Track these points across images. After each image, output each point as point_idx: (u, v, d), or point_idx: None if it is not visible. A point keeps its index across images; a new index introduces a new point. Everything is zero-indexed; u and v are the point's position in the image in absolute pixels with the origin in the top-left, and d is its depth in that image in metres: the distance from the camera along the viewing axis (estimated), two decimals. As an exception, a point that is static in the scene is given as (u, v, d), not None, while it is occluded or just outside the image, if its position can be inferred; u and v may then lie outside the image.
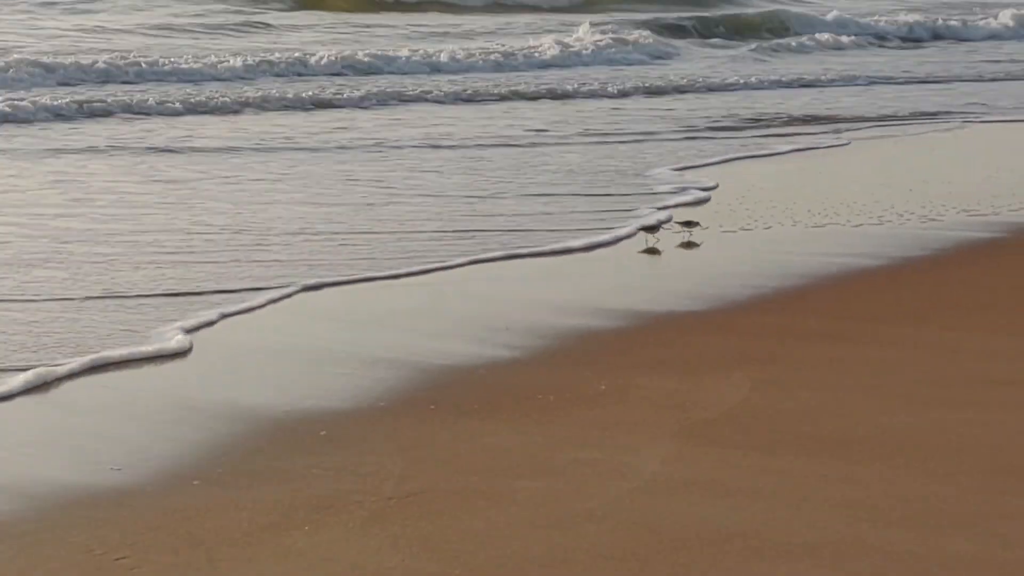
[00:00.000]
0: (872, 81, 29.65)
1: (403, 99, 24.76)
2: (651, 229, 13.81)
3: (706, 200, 16.10)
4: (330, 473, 7.49)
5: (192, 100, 23.22)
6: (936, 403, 8.64)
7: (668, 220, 14.44)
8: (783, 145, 20.60)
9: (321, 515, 6.91)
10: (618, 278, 12.47)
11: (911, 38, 37.73)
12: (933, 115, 24.40)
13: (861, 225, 14.73)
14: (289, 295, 11.33)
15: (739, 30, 36.94)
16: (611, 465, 7.62)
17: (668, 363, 9.67)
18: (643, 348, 10.12)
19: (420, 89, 25.69)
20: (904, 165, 19.42)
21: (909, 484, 7.30)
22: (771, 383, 9.14)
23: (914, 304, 11.36)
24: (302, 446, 7.96)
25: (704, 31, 36.77)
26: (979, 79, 30.16)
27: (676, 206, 15.51)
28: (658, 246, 13.48)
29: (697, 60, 33.27)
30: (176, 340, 9.87)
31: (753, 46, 34.80)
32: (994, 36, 38.42)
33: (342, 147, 19.51)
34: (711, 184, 16.99)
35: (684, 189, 16.60)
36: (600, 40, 32.99)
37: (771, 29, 37.15)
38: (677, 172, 17.91)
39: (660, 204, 15.63)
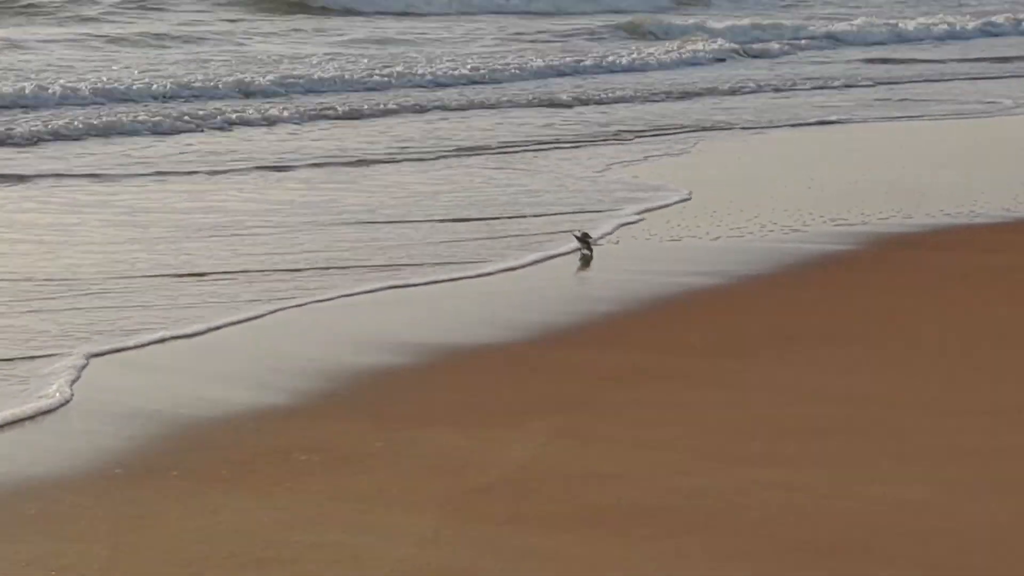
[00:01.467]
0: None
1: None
2: (583, 240, 12.87)
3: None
4: (14, 568, 6.35)
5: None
6: (747, 459, 7.60)
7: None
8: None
9: (-26, 633, 5.78)
10: (460, 306, 11.32)
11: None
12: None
13: (719, 238, 13.73)
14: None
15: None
16: (353, 550, 6.52)
17: (462, 411, 8.60)
18: (441, 392, 9.05)
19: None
20: (778, 169, 18.47)
21: (688, 568, 6.25)
22: (570, 435, 8.09)
23: (752, 332, 10.34)
24: (1, 529, 6.81)
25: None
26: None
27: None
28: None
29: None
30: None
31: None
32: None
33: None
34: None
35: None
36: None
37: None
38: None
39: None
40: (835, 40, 36.30)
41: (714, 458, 7.63)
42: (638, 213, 14.93)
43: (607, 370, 9.40)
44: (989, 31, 38.96)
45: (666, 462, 7.60)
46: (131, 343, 10.03)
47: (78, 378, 9.25)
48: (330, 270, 12.18)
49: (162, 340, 10.14)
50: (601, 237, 13.47)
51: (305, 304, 11.13)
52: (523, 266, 12.44)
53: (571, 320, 10.72)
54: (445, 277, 12.03)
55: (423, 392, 9.01)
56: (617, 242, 13.53)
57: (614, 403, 8.68)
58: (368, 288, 11.62)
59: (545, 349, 9.94)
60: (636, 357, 9.70)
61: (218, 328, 10.47)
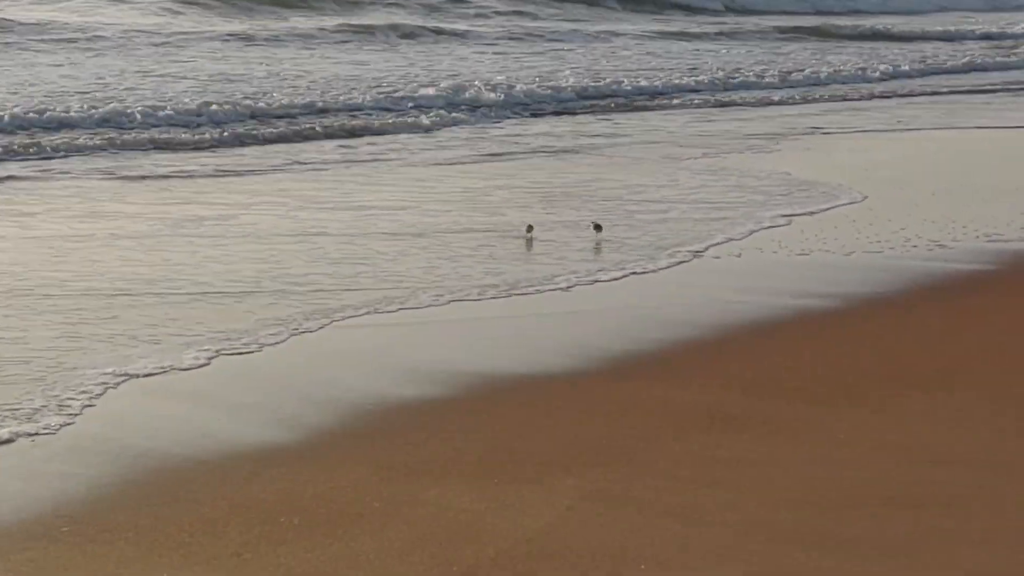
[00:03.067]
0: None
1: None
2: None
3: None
4: None
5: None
6: (803, 540, 6.26)
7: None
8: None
9: None
10: (529, 327, 10.06)
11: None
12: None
13: (852, 253, 12.29)
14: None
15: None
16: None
17: (486, 460, 7.35)
18: (470, 434, 7.80)
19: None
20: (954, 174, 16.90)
21: None
22: (601, 497, 6.81)
23: (857, 371, 8.92)
24: None
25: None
26: None
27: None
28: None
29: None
30: None
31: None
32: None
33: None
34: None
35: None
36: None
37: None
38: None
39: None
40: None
41: (762, 536, 6.30)
42: (785, 216, 13.68)
43: (673, 413, 8.09)
44: None
45: (701, 540, 6.28)
46: (174, 364, 8.95)
47: (91, 404, 8.24)
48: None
49: (208, 361, 9.07)
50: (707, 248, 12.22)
51: (361, 316, 10.02)
52: (612, 280, 11.19)
53: (648, 348, 9.41)
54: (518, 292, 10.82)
55: (450, 434, 7.78)
56: (739, 255, 12.16)
57: (667, 456, 7.37)
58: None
59: (606, 383, 8.66)
60: (712, 397, 8.36)
61: (270, 346, 9.38)
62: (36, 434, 7.68)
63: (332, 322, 9.84)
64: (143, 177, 15.98)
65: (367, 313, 10.09)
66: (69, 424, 7.86)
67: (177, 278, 10.97)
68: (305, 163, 17.19)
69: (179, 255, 11.78)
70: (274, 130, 19.34)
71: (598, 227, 12.57)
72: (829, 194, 14.84)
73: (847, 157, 17.95)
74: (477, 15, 33.48)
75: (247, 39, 28.68)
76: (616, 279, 11.17)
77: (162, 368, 8.86)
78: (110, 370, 8.71)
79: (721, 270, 11.61)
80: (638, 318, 10.19)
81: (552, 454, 7.43)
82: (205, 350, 9.14)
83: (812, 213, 13.85)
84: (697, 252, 12.11)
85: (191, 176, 16.12)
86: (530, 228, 12.56)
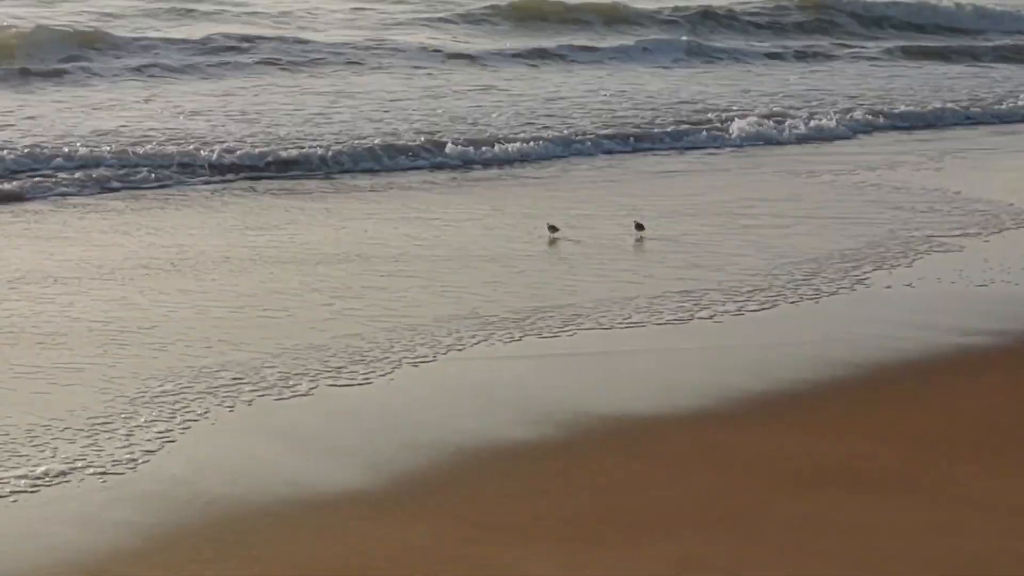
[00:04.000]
0: None
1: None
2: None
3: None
4: None
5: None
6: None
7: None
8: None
9: None
10: (668, 362, 9.33)
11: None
12: None
13: (1039, 283, 11.33)
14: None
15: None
16: None
17: (573, 519, 6.67)
18: (562, 486, 7.13)
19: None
20: None
21: None
22: (692, 569, 6.10)
23: (1012, 420, 8.05)
24: None
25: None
26: None
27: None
28: None
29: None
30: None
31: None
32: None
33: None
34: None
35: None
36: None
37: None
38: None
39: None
40: None
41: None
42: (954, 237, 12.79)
43: (796, 465, 7.32)
44: None
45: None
46: (284, 394, 8.47)
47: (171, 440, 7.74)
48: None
49: (309, 392, 8.55)
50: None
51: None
52: (762, 309, 10.39)
53: (793, 389, 8.62)
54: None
55: (549, 486, 7.12)
56: (911, 285, 11.24)
57: (778, 518, 6.63)
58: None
59: (735, 430, 7.90)
60: (847, 450, 7.56)
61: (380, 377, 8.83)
62: (105, 472, 7.23)
63: (449, 351, 9.25)
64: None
65: (483, 342, 9.48)
66: (145, 462, 7.39)
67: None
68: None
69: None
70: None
71: (639, 226, 12.46)
72: (994, 215, 13.80)
73: (1013, 176, 16.85)
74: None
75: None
76: (765, 308, 10.37)
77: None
78: (200, 393, 8.31)
79: (891, 300, 10.74)
80: (788, 355, 9.37)
81: (655, 512, 6.74)
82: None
83: (981, 235, 12.88)
84: (860, 279, 11.26)
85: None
86: (553, 228, 12.49)
